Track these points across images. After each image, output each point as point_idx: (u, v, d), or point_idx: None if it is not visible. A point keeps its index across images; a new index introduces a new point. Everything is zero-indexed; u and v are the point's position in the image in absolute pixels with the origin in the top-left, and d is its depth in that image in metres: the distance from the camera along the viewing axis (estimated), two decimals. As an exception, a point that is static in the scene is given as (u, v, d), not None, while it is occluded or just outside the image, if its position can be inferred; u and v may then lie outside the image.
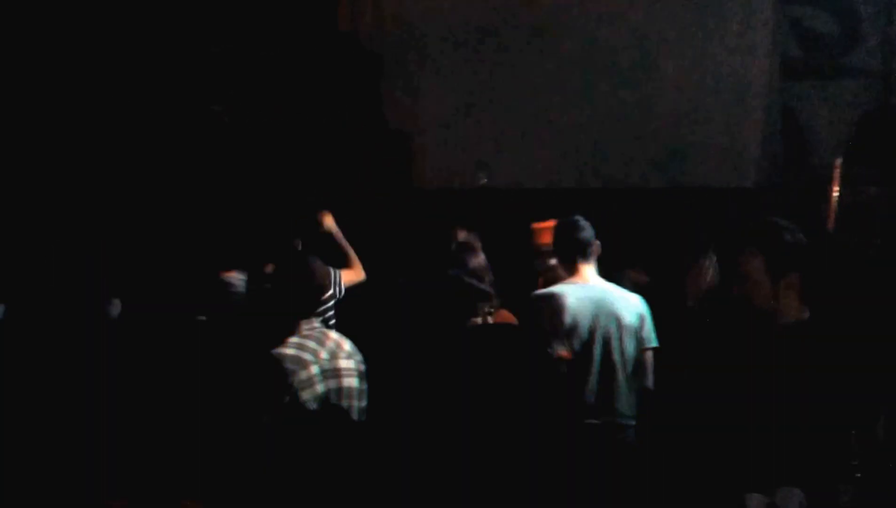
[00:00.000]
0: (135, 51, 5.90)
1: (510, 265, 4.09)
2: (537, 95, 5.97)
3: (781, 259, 2.79)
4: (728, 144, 5.65)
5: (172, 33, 5.95)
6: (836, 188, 4.88)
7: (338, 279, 4.25)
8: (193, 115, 5.95)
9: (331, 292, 4.13)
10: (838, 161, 4.50)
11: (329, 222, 4.50)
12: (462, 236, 4.32)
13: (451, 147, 6.03)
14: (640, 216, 5.08)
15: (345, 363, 3.32)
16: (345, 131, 6.02)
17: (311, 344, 3.27)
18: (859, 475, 2.68)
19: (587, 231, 3.93)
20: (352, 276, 4.41)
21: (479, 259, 3.64)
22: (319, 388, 3.22)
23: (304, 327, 3.30)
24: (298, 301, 3.35)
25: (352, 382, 3.32)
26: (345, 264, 4.43)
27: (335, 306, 4.17)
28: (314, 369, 3.22)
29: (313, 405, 3.18)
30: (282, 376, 3.17)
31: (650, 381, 3.77)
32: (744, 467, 2.67)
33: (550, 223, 4.13)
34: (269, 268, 3.72)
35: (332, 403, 3.23)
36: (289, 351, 3.22)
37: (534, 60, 5.99)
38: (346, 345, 3.38)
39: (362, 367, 3.39)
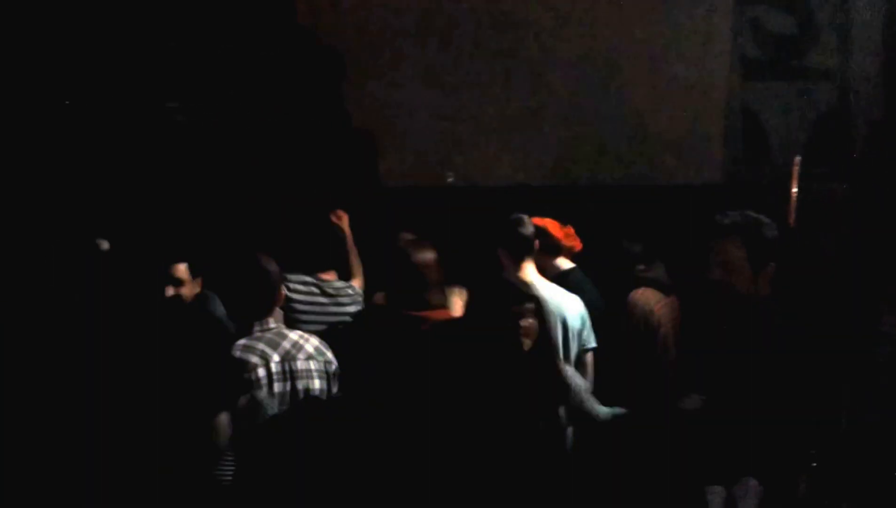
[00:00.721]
0: (86, 47, 5.83)
1: (477, 262, 4.12)
2: (503, 93, 6.02)
3: (762, 251, 2.91)
4: (691, 142, 5.74)
5: (126, 29, 5.89)
6: (795, 185, 4.97)
7: (357, 295, 4.28)
8: (146, 112, 5.89)
9: (353, 308, 4.15)
10: (797, 159, 4.57)
11: (345, 223, 4.50)
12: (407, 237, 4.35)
13: (417, 145, 6.06)
14: (605, 214, 5.14)
15: (303, 365, 3.31)
16: (306, 128, 6.01)
17: (261, 346, 3.26)
18: (815, 465, 2.76)
19: (532, 228, 3.99)
20: (360, 283, 4.41)
21: (426, 256, 3.61)
22: (275, 388, 3.23)
23: (256, 328, 3.30)
24: (249, 303, 3.35)
25: (311, 384, 3.30)
26: (349, 269, 4.42)
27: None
28: (261, 371, 3.22)
29: (270, 407, 3.19)
30: (232, 376, 3.19)
31: (590, 382, 3.82)
32: (704, 459, 2.73)
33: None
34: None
35: (286, 404, 3.24)
36: (235, 353, 3.23)
37: (500, 58, 6.03)
38: (309, 347, 3.35)
39: (330, 368, 3.37)
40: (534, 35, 5.95)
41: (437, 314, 3.13)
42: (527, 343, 3.02)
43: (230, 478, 3.19)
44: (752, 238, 2.99)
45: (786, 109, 5.53)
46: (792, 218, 4.85)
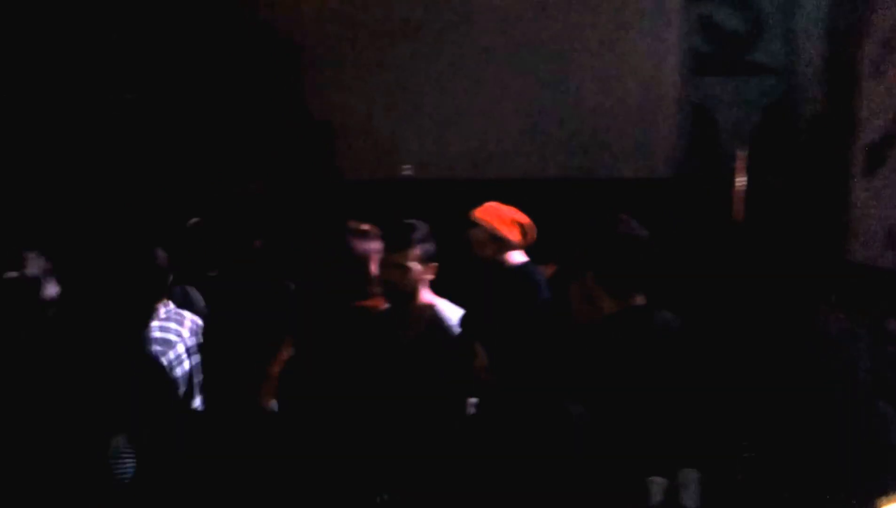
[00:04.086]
0: (43, 37, 5.80)
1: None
2: (458, 86, 6.08)
3: (573, 261, 2.91)
4: (640, 136, 5.85)
5: (85, 19, 5.86)
6: (741, 178, 5.10)
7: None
8: (105, 103, 5.86)
9: None
10: (742, 152, 4.69)
11: None
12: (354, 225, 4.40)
13: (374, 138, 6.11)
14: (556, 207, 5.23)
15: (198, 340, 3.52)
16: (265, 121, 6.04)
17: (173, 325, 3.42)
18: (750, 454, 2.87)
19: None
20: None
21: (368, 245, 3.65)
22: (186, 366, 3.39)
23: (162, 310, 3.42)
24: (150, 286, 3.42)
25: (198, 358, 3.51)
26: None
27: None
28: (180, 348, 3.38)
29: (182, 384, 3.33)
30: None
31: None
32: (644, 452, 2.81)
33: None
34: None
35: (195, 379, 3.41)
36: (156, 334, 3.35)
37: (455, 51, 6.10)
38: (193, 324, 3.53)
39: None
40: (490, 30, 6.02)
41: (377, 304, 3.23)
42: None
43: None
44: (570, 248, 2.95)
45: (733, 103, 5.64)
46: (738, 211, 4.99)
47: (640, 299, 2.90)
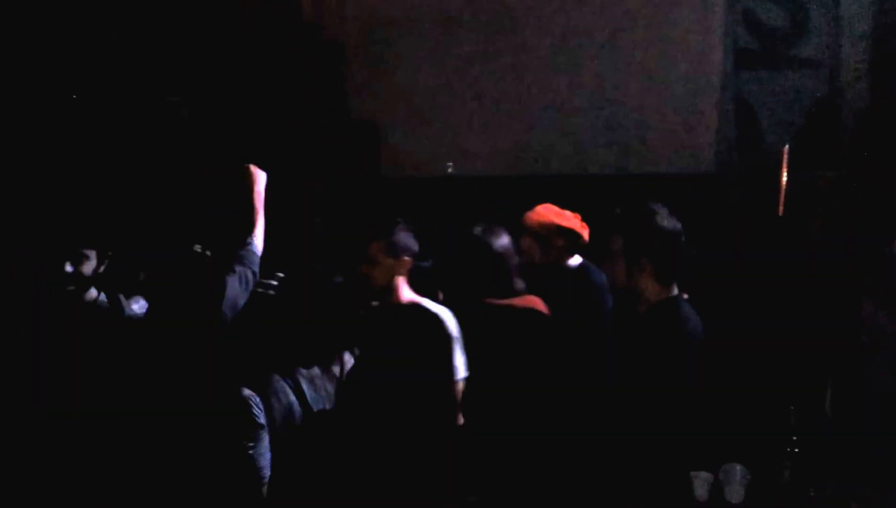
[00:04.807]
0: (89, 42, 5.92)
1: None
2: (501, 84, 6.11)
3: (636, 244, 2.99)
4: (684, 131, 5.83)
5: (132, 25, 5.98)
6: (785, 173, 5.07)
7: None
8: (151, 107, 5.97)
9: None
10: (786, 147, 4.66)
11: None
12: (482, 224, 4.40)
13: (417, 136, 6.16)
14: (600, 204, 5.23)
15: None
16: (310, 122, 6.11)
17: None
18: (798, 450, 2.87)
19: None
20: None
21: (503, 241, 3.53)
22: None
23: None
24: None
25: None
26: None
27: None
28: None
29: None
30: None
31: None
32: (689, 446, 2.83)
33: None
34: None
35: None
36: None
37: (497, 49, 6.12)
38: None
39: None
40: (533, 27, 6.04)
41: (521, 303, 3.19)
42: None
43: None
44: (630, 231, 3.02)
45: (777, 98, 5.61)
46: (782, 206, 4.96)
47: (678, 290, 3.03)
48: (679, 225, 3.08)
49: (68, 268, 3.29)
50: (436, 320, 3.30)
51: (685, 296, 3.15)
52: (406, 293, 3.39)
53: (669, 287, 3.03)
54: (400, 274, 3.37)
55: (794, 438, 2.88)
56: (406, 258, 3.38)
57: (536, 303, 3.35)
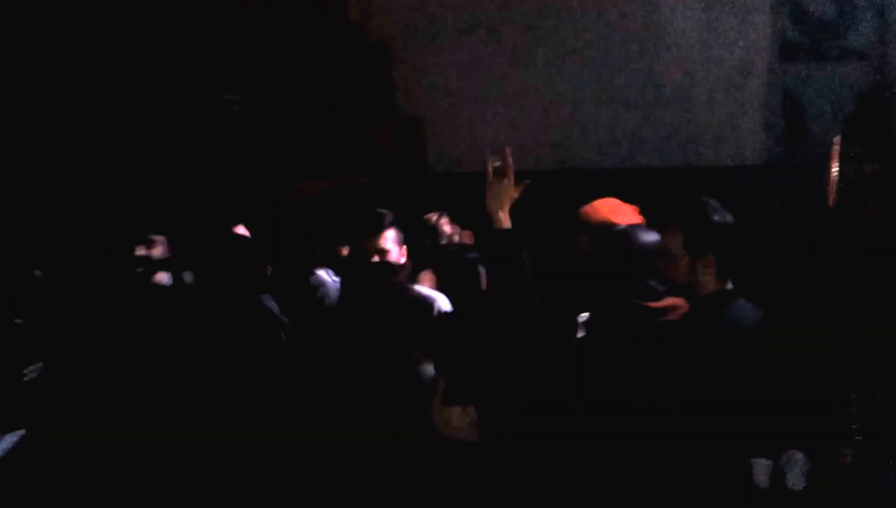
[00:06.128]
0: (147, 42, 6.05)
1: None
2: (545, 79, 6.13)
3: (699, 239, 2.96)
4: (731, 123, 5.83)
5: (184, 25, 6.10)
6: (835, 165, 5.04)
7: None
8: (205, 104, 6.09)
9: None
10: (836, 139, 4.64)
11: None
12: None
13: (462, 132, 6.20)
14: (647, 197, 5.24)
15: None
16: (356, 119, 6.19)
17: None
18: (860, 437, 2.88)
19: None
20: None
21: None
22: None
23: None
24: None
25: None
26: None
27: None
28: None
29: None
30: None
31: None
32: (749, 433, 2.84)
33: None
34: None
35: None
36: None
37: (541, 44, 6.15)
38: None
39: None
40: (577, 21, 6.06)
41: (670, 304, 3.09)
42: None
43: None
44: (691, 225, 2.98)
45: (824, 90, 5.59)
46: (832, 198, 4.94)
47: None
48: (732, 218, 3.08)
49: (141, 252, 3.41)
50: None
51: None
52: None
53: (726, 282, 3.03)
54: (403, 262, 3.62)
55: (856, 425, 2.88)
56: (405, 247, 3.65)
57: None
